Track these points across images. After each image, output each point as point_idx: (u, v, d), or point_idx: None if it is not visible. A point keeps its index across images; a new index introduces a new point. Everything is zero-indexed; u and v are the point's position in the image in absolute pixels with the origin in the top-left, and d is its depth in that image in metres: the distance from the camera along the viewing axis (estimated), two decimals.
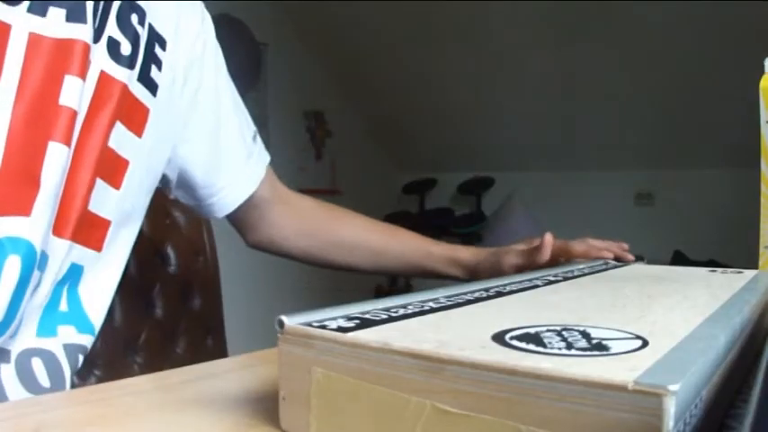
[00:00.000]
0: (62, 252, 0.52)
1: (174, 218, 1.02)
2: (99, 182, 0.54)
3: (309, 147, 3.57)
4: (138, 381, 0.40)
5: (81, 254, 0.55)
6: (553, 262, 0.73)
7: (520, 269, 0.73)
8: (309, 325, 0.27)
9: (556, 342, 0.23)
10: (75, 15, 0.50)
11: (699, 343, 0.23)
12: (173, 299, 1.07)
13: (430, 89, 3.39)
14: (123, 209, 0.59)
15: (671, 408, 0.17)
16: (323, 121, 3.62)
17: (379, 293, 3.67)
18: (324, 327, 0.26)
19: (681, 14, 2.43)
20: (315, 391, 0.26)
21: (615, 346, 0.22)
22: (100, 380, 0.93)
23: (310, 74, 3.51)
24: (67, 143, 0.49)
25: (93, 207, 0.55)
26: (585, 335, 0.24)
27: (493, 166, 3.49)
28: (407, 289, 3.69)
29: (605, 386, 0.18)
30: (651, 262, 0.58)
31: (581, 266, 0.50)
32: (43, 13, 0.49)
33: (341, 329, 0.26)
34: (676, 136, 2.88)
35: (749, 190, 0.67)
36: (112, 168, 0.56)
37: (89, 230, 0.55)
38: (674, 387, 0.17)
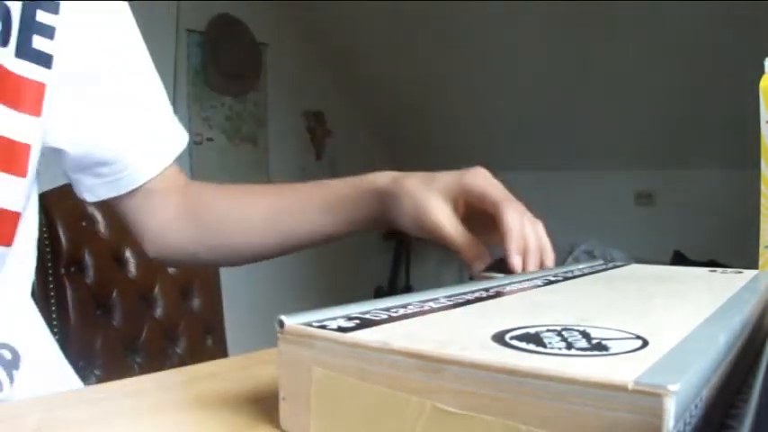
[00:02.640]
0: None
1: None
2: (1, 175, 0.50)
3: (309, 147, 3.57)
4: (138, 381, 0.40)
5: None
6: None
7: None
8: (309, 325, 0.27)
9: (556, 342, 0.23)
10: None
11: (699, 343, 0.23)
12: (173, 299, 1.07)
13: (430, 89, 3.39)
14: (28, 196, 0.55)
15: (671, 408, 0.17)
16: (323, 121, 3.62)
17: (379, 293, 3.67)
18: (324, 327, 0.26)
19: (681, 14, 2.43)
20: (315, 391, 0.26)
21: (615, 346, 0.22)
22: (100, 380, 0.93)
23: (310, 74, 3.51)
24: None
25: (2, 202, 0.51)
26: (585, 335, 0.24)
27: (493, 166, 3.48)
28: (407, 289, 3.69)
29: (605, 386, 0.18)
30: (651, 262, 0.58)
31: (581, 266, 0.50)
32: None
33: (341, 329, 0.26)
34: (676, 136, 2.88)
35: (749, 190, 0.67)
36: (12, 156, 0.52)
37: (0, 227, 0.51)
38: (674, 387, 0.17)
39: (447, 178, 0.58)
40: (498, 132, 3.36)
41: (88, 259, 0.98)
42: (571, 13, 2.64)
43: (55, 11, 0.54)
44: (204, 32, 2.95)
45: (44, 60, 0.53)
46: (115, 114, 0.62)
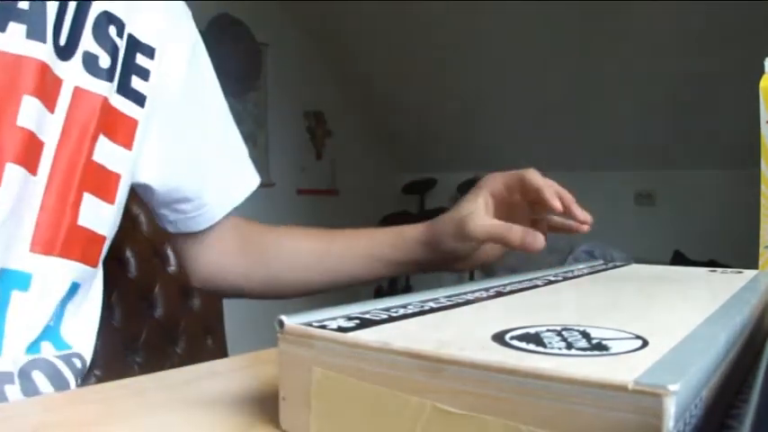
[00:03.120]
0: (51, 270, 0.51)
1: None
2: (88, 197, 0.54)
3: (309, 147, 3.58)
4: (138, 381, 0.40)
5: (79, 271, 0.55)
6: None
7: (491, 235, 0.63)
8: (309, 325, 0.27)
9: (556, 342, 0.23)
10: (36, 33, 0.49)
11: (699, 343, 0.23)
12: (173, 299, 1.07)
13: (430, 89, 3.39)
14: (116, 223, 0.59)
15: (671, 408, 0.17)
16: (323, 121, 3.62)
17: (379, 293, 3.67)
18: (324, 327, 0.26)
19: (681, 15, 2.43)
20: (315, 391, 0.26)
21: (615, 346, 0.22)
22: (100, 380, 0.93)
23: (310, 74, 3.51)
24: (24, 164, 0.48)
25: (86, 222, 0.54)
26: (585, 335, 0.24)
27: (493, 166, 3.48)
28: (407, 289, 3.69)
29: (605, 386, 0.18)
30: (651, 262, 0.58)
31: (581, 266, 0.50)
32: (3, 28, 0.48)
33: (341, 329, 0.26)
34: (676, 136, 2.88)
35: (749, 190, 0.67)
36: (103, 183, 0.56)
37: (86, 246, 0.55)
38: (674, 387, 0.17)
39: (470, 195, 0.68)
40: (499, 133, 3.37)
41: None
42: (572, 14, 2.64)
43: (151, 56, 0.61)
44: (204, 32, 2.95)
45: (139, 99, 0.59)
46: (197, 154, 0.68)
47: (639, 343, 0.22)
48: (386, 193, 3.92)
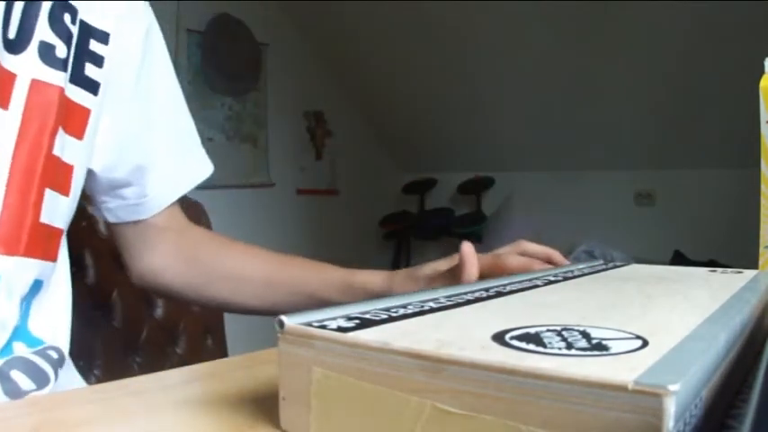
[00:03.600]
0: (15, 270, 0.51)
1: None
2: (49, 192, 0.53)
3: (309, 147, 3.58)
4: (138, 381, 0.40)
5: (41, 268, 0.54)
6: (482, 278, 0.62)
7: None
8: (309, 325, 0.27)
9: (556, 342, 0.23)
10: None
11: (699, 343, 0.23)
12: (173, 299, 1.06)
13: (430, 89, 3.39)
14: (71, 214, 0.58)
15: (671, 408, 0.17)
16: (323, 121, 3.62)
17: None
18: (324, 327, 0.26)
19: (681, 14, 2.43)
20: (315, 391, 0.26)
21: (615, 346, 0.22)
22: (100, 380, 0.93)
23: (310, 74, 3.51)
24: None
25: (46, 218, 0.53)
26: (585, 335, 0.24)
27: (493, 166, 3.49)
28: None
29: (605, 386, 0.18)
30: (651, 262, 0.58)
31: (581, 266, 0.50)
32: None
33: (341, 329, 0.26)
34: (676, 136, 2.88)
35: (749, 190, 0.67)
36: (60, 176, 0.55)
37: (45, 243, 0.54)
38: (674, 387, 0.17)
39: (433, 265, 0.65)
40: (499, 133, 3.37)
41: (88, 259, 0.98)
42: (572, 14, 2.64)
43: (105, 41, 0.58)
44: (204, 32, 2.95)
45: (93, 87, 0.57)
46: (144, 140, 0.66)
47: (639, 343, 0.22)
48: (386, 193, 3.91)
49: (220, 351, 1.10)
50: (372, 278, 0.66)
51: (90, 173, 0.63)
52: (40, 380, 0.53)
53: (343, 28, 3.32)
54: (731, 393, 0.25)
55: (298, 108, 3.50)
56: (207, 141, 3.45)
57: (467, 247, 0.61)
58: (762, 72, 0.52)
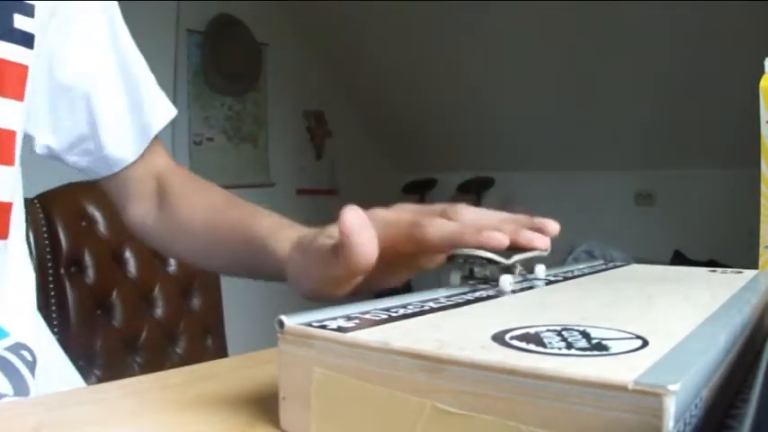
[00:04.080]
0: None
1: None
2: None
3: (309, 147, 3.58)
4: (138, 381, 0.40)
5: None
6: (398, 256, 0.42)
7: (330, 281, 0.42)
8: (309, 325, 0.27)
9: (556, 342, 0.23)
10: None
11: (699, 343, 0.23)
12: (173, 299, 1.07)
13: (430, 89, 3.39)
14: (18, 184, 0.54)
15: (671, 408, 0.17)
16: (323, 121, 3.62)
17: (380, 293, 3.67)
18: (324, 327, 0.26)
19: (681, 14, 2.43)
20: (315, 391, 0.26)
21: (615, 346, 0.22)
22: (100, 380, 0.93)
23: (310, 74, 3.51)
24: None
25: None
26: (585, 335, 0.24)
27: (493, 166, 3.49)
28: (407, 289, 3.68)
29: (605, 386, 0.18)
30: (651, 262, 0.58)
31: (581, 266, 0.50)
32: None
33: (341, 329, 0.26)
34: (676, 136, 2.88)
35: (749, 190, 0.67)
36: (2, 145, 0.50)
37: None
38: (674, 387, 0.17)
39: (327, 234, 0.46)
40: (499, 133, 3.37)
41: (88, 259, 0.98)
42: (571, 14, 2.64)
43: None
44: (204, 32, 2.95)
45: (26, 40, 0.51)
46: (89, 86, 0.60)
47: (639, 343, 0.22)
48: (386, 193, 3.91)
49: (220, 351, 1.10)
50: (284, 245, 0.49)
51: (43, 136, 0.59)
52: (17, 380, 0.51)
53: (343, 28, 3.31)
54: (731, 393, 0.25)
55: (298, 108, 3.50)
56: (207, 141, 3.42)
57: (348, 217, 0.37)
58: (762, 72, 0.52)
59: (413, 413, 0.22)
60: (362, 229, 0.37)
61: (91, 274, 0.98)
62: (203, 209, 0.61)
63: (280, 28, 3.31)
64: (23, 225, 0.58)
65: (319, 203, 3.52)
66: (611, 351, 0.21)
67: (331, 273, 0.40)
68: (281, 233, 0.50)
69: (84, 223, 1.01)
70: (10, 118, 0.51)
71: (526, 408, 0.20)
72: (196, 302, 1.10)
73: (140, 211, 0.66)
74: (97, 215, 1.03)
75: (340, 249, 0.38)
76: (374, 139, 3.90)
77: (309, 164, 3.55)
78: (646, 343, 0.22)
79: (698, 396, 0.19)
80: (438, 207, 0.43)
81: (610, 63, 2.79)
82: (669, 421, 0.17)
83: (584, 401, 0.19)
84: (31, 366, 0.54)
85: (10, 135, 0.51)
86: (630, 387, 0.18)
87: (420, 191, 3.82)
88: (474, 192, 3.61)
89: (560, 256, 3.12)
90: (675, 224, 2.98)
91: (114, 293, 1.01)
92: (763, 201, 0.52)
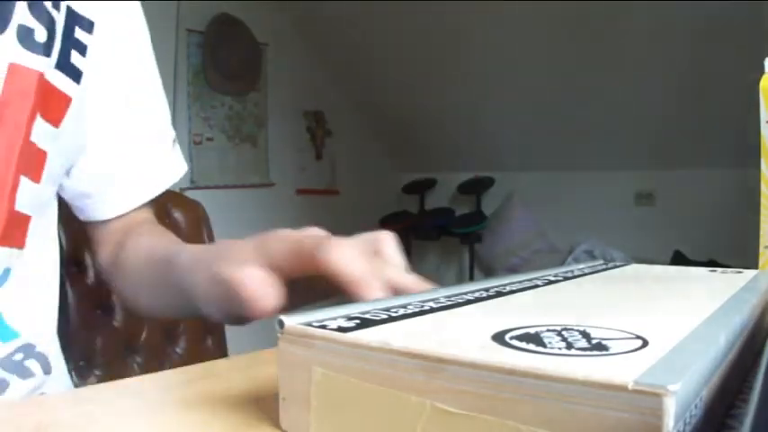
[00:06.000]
0: None
1: (173, 218, 1.02)
2: (23, 180, 0.52)
3: (309, 147, 3.58)
4: (138, 381, 0.40)
5: (8, 255, 0.53)
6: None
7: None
8: (309, 325, 0.27)
9: (556, 342, 0.23)
10: None
11: (699, 343, 0.23)
12: None
13: (430, 89, 3.39)
14: (41, 201, 0.57)
15: (671, 408, 0.17)
16: (323, 121, 3.62)
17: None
18: (324, 327, 0.26)
19: (681, 14, 2.43)
20: (315, 391, 0.26)
21: (615, 346, 0.22)
22: (100, 380, 0.93)
23: (310, 74, 3.51)
24: None
25: (21, 207, 0.52)
26: (585, 335, 0.24)
27: (493, 166, 3.50)
28: None
29: (605, 386, 0.18)
30: (651, 262, 0.58)
31: (581, 266, 0.50)
32: None
33: (341, 329, 0.26)
34: (676, 136, 2.88)
35: (749, 190, 0.67)
36: (33, 162, 0.53)
37: (15, 230, 0.53)
38: (674, 387, 0.17)
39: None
40: (499, 133, 3.37)
41: (88, 259, 0.98)
42: (572, 14, 2.64)
43: (90, 30, 0.57)
44: (204, 32, 2.95)
45: (76, 75, 0.56)
46: (114, 137, 0.63)
47: (639, 343, 0.22)
48: (386, 193, 3.92)
49: (220, 351, 1.10)
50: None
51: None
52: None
53: (343, 28, 3.32)
54: (731, 393, 0.25)
55: (298, 108, 3.50)
56: (207, 141, 3.43)
57: (243, 280, 0.36)
58: (762, 72, 0.52)
59: (413, 413, 0.22)
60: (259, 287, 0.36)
61: (91, 274, 0.98)
62: (144, 249, 0.59)
63: (280, 28, 3.31)
64: (50, 241, 0.60)
65: (319, 203, 3.52)
66: (611, 351, 0.21)
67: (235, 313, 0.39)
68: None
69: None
70: (44, 138, 0.54)
71: (526, 408, 0.20)
72: None
73: (104, 255, 0.65)
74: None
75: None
76: (374, 139, 3.90)
77: (309, 164, 3.55)
78: (646, 343, 0.22)
79: (698, 396, 0.19)
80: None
81: (610, 64, 2.79)
82: (669, 421, 0.17)
83: (584, 401, 0.19)
84: (46, 368, 0.56)
85: (41, 154, 0.54)
86: (630, 387, 0.18)
87: (420, 191, 3.82)
88: (474, 192, 3.61)
89: (560, 256, 3.12)
90: (675, 224, 2.98)
91: (114, 293, 1.00)
92: (763, 201, 0.52)
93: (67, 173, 0.62)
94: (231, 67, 3.07)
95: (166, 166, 0.67)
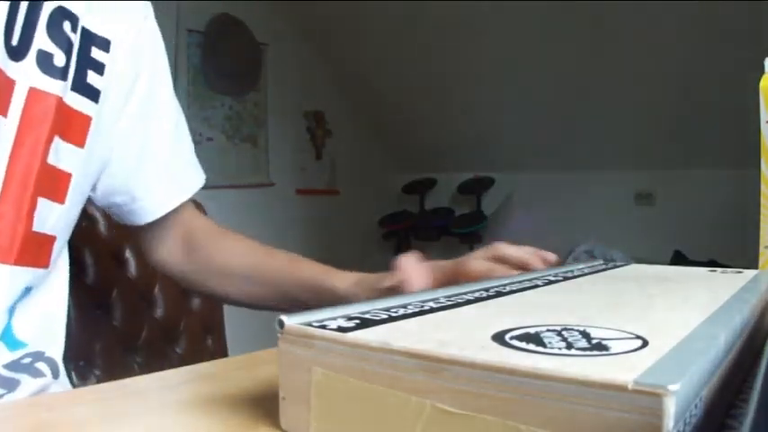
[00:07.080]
0: (6, 278, 0.51)
1: None
2: (41, 201, 0.53)
3: (309, 147, 3.57)
4: (138, 381, 0.40)
5: (32, 275, 0.54)
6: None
7: None
8: (309, 325, 0.27)
9: (556, 342, 0.23)
10: None
11: (699, 343, 0.23)
12: (173, 299, 1.07)
13: (430, 89, 3.39)
14: (68, 222, 0.58)
15: (671, 408, 0.17)
16: (323, 121, 3.62)
17: None
18: (324, 327, 0.26)
19: (680, 14, 2.43)
20: (315, 391, 0.26)
21: (615, 346, 0.22)
22: (100, 380, 0.93)
23: (310, 74, 3.51)
24: None
25: (39, 227, 0.53)
26: (585, 335, 0.24)
27: (493, 166, 3.49)
28: None
29: (605, 386, 0.18)
30: (651, 262, 0.58)
31: (581, 266, 0.50)
32: None
33: (341, 329, 0.26)
34: (676, 136, 2.88)
35: (749, 190, 0.67)
36: (54, 184, 0.55)
37: (37, 250, 0.54)
38: (674, 387, 0.17)
39: (394, 278, 0.58)
40: (498, 133, 3.37)
41: (88, 259, 0.98)
42: (571, 14, 2.64)
43: (106, 49, 0.58)
44: (204, 32, 2.95)
45: (93, 95, 0.57)
46: (137, 149, 0.66)
47: (639, 343, 0.22)
48: (386, 193, 3.91)
49: (220, 351, 1.10)
50: (342, 283, 0.63)
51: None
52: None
53: (343, 28, 3.31)
54: (731, 393, 0.25)
55: (298, 108, 3.49)
56: (207, 141, 3.43)
57: (406, 264, 0.55)
58: (762, 72, 0.52)
59: (413, 413, 0.22)
60: (416, 272, 0.55)
61: (91, 273, 0.98)
62: (241, 254, 0.72)
63: (280, 28, 3.31)
64: (67, 259, 0.63)
65: (319, 203, 3.52)
66: (611, 351, 0.21)
67: None
68: (336, 274, 0.65)
69: (84, 223, 1.01)
70: (68, 160, 0.56)
71: (526, 408, 0.20)
72: (196, 302, 1.10)
73: (164, 254, 0.74)
74: (97, 215, 1.03)
75: (400, 287, 0.53)
76: (374, 139, 3.89)
77: (309, 164, 3.55)
78: (646, 343, 0.22)
79: (698, 396, 0.19)
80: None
81: (610, 63, 2.79)
82: (669, 421, 0.17)
83: (584, 401, 0.19)
84: (55, 372, 0.57)
85: (65, 176, 0.56)
86: (630, 387, 0.18)
87: (420, 191, 3.82)
88: (474, 192, 3.61)
89: (560, 256, 3.12)
90: (675, 224, 2.98)
91: (114, 293, 1.01)
92: (763, 201, 0.52)
93: (93, 188, 0.64)
94: (231, 68, 3.07)
95: (193, 169, 0.75)
